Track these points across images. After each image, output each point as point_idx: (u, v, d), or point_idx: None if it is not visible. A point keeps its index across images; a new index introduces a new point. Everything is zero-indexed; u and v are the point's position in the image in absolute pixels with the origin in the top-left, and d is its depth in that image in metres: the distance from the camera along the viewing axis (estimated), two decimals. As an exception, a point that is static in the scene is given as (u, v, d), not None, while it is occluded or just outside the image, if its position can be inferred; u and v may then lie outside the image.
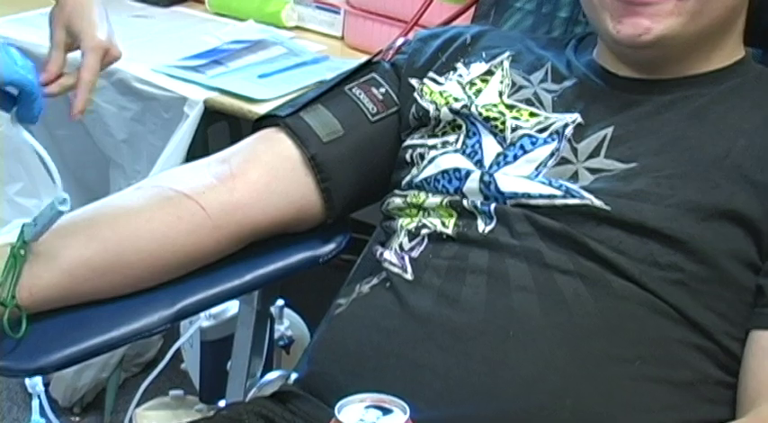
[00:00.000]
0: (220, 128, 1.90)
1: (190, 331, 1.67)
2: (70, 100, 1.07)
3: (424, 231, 1.15)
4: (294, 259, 1.24)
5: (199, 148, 1.78)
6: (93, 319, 1.11)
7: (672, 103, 1.13)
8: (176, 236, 1.14)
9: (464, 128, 1.20)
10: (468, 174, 1.15)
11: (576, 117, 1.15)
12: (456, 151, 1.19)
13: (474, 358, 1.03)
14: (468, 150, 1.18)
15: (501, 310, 1.05)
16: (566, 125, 1.15)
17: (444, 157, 1.19)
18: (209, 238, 1.16)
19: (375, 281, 1.15)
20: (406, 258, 1.14)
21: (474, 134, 1.19)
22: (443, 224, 1.14)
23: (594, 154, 1.12)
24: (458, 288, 1.08)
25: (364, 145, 1.25)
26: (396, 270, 1.14)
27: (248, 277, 1.20)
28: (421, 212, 1.18)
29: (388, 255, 1.16)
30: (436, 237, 1.14)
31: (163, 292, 1.15)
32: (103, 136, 1.96)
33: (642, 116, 1.13)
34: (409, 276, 1.12)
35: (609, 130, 1.13)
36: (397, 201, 1.21)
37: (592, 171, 1.11)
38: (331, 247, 1.26)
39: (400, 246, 1.17)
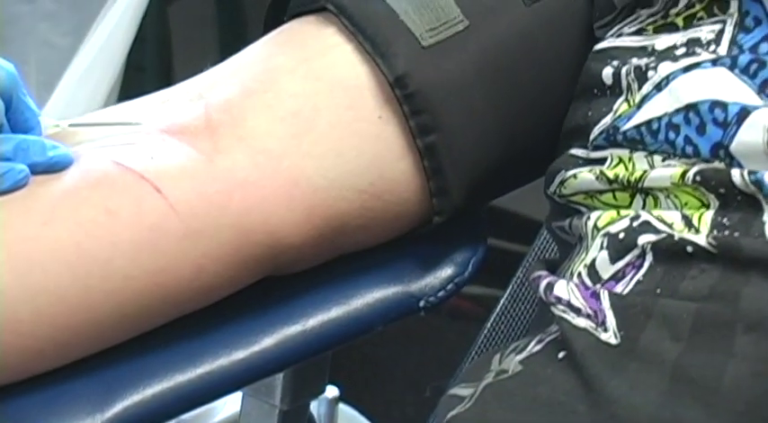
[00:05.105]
0: (194, 8, 1.44)
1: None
2: None
3: (646, 239, 0.84)
4: (364, 302, 0.84)
5: (150, 58, 1.38)
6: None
7: None
8: (109, 255, 0.79)
9: (735, 7, 0.87)
10: (744, 113, 0.82)
11: None
12: (717, 62, 0.85)
13: None
14: (743, 60, 0.84)
15: None
16: None
17: (690, 77, 0.85)
18: (178, 258, 0.82)
19: (535, 346, 0.85)
20: (604, 297, 0.83)
21: (758, 22, 0.86)
22: (688, 223, 0.83)
23: None
24: (719, 363, 0.77)
25: (512, 51, 0.91)
26: (581, 323, 0.82)
27: (267, 342, 0.81)
28: (637, 197, 0.87)
29: (563, 289, 0.84)
30: (672, 250, 0.82)
31: (87, 377, 0.79)
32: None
33: None
34: (610, 336, 0.81)
35: None
36: (585, 176, 0.89)
37: None
38: (443, 275, 0.87)
39: (591, 269, 0.84)
